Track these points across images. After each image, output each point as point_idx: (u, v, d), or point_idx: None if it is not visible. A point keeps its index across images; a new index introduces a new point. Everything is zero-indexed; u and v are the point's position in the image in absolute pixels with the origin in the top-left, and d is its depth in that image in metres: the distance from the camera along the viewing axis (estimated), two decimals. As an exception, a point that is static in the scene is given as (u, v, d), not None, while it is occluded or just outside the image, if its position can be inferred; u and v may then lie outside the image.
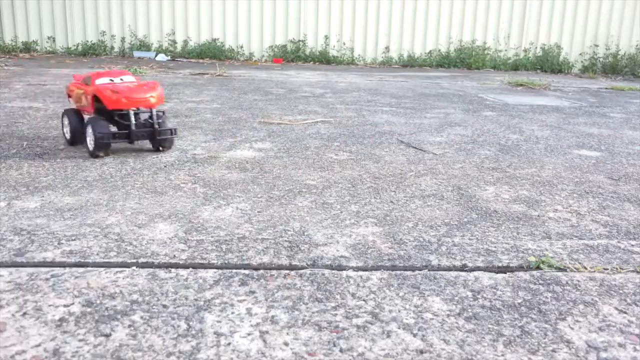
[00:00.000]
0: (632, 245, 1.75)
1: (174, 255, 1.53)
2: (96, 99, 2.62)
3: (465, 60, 10.78)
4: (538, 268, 1.54)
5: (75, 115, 2.78)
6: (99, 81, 2.67)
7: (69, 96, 2.96)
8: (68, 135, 2.82)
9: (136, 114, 2.62)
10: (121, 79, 2.74)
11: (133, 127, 2.59)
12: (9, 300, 1.26)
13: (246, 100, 4.82)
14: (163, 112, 2.74)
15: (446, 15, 10.95)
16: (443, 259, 1.58)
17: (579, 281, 1.47)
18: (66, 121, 2.80)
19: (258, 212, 1.93)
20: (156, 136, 2.67)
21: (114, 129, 2.67)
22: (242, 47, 10.89)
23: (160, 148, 2.76)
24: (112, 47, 10.72)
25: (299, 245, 1.64)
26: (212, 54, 10.58)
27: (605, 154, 3.14)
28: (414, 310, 1.28)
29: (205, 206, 1.97)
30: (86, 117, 2.75)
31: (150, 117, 2.65)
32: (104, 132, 2.54)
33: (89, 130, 2.57)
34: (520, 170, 2.67)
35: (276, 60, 10.69)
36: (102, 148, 2.57)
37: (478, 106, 5.05)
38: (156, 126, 2.65)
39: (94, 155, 2.58)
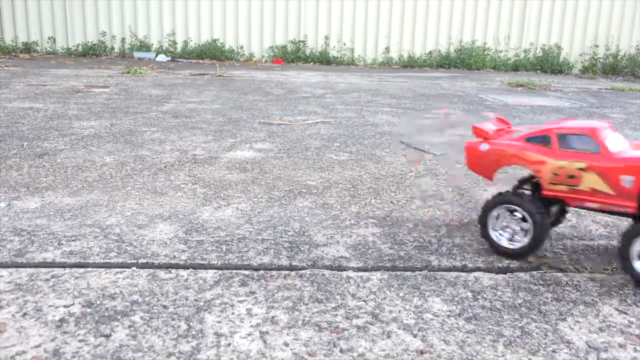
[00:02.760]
0: (633, 246, 1.74)
1: (174, 256, 1.53)
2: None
3: (465, 61, 10.78)
4: (538, 269, 1.54)
5: (539, 206, 1.56)
6: (617, 145, 1.50)
7: (481, 163, 1.68)
8: (518, 242, 1.59)
9: None
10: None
11: None
12: (9, 300, 1.26)
13: (246, 101, 4.83)
14: None
15: (446, 15, 10.95)
16: (443, 259, 1.58)
17: (579, 282, 1.47)
18: (516, 215, 1.59)
19: (258, 212, 1.93)
20: None
21: None
22: (242, 47, 10.89)
23: None
24: (112, 48, 10.72)
25: (299, 246, 1.64)
26: (212, 54, 10.59)
27: (606, 154, 3.14)
28: (414, 311, 1.28)
29: (206, 207, 1.97)
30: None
31: None
32: None
33: None
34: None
35: (276, 61, 10.69)
36: None
37: (478, 107, 5.05)
38: None
39: None
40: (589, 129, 1.51)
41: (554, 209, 1.68)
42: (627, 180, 1.43)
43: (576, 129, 1.53)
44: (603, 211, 1.53)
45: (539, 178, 1.57)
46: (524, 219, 1.55)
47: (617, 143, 1.51)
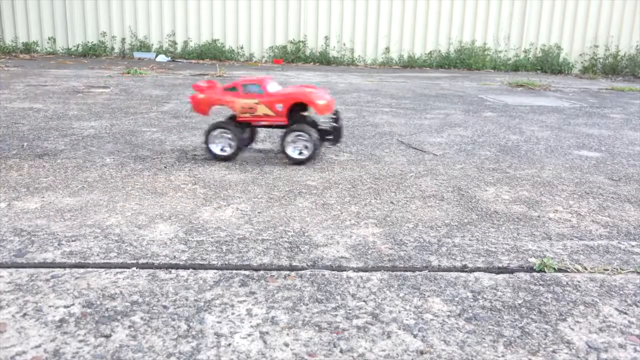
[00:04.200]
0: (633, 246, 1.74)
1: (174, 256, 1.53)
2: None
3: (465, 61, 10.79)
4: (541, 270, 1.54)
5: (237, 128, 2.64)
6: (273, 88, 2.65)
7: (200, 106, 2.69)
8: (227, 150, 2.64)
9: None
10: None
11: (340, 128, 2.74)
12: (9, 301, 1.26)
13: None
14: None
15: (446, 16, 10.96)
16: (443, 259, 1.58)
17: (579, 282, 1.47)
18: (227, 135, 2.62)
19: (258, 212, 1.93)
20: (342, 134, 2.82)
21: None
22: (242, 47, 10.90)
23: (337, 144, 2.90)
24: (113, 48, 10.73)
25: (299, 246, 1.64)
26: (213, 54, 10.60)
27: (606, 154, 3.14)
28: (414, 311, 1.28)
29: (206, 207, 1.97)
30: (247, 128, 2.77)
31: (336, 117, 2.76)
32: (318, 138, 2.62)
33: (304, 138, 2.59)
34: (521, 171, 2.67)
35: (276, 61, 10.69)
36: (316, 154, 2.65)
37: (478, 107, 5.05)
38: (341, 123, 2.80)
39: (302, 163, 2.61)
40: (258, 80, 2.63)
41: (248, 129, 2.80)
42: (279, 107, 2.59)
43: (250, 80, 2.63)
44: (270, 126, 2.68)
45: (234, 111, 2.65)
46: (231, 137, 2.62)
47: (274, 88, 2.66)
